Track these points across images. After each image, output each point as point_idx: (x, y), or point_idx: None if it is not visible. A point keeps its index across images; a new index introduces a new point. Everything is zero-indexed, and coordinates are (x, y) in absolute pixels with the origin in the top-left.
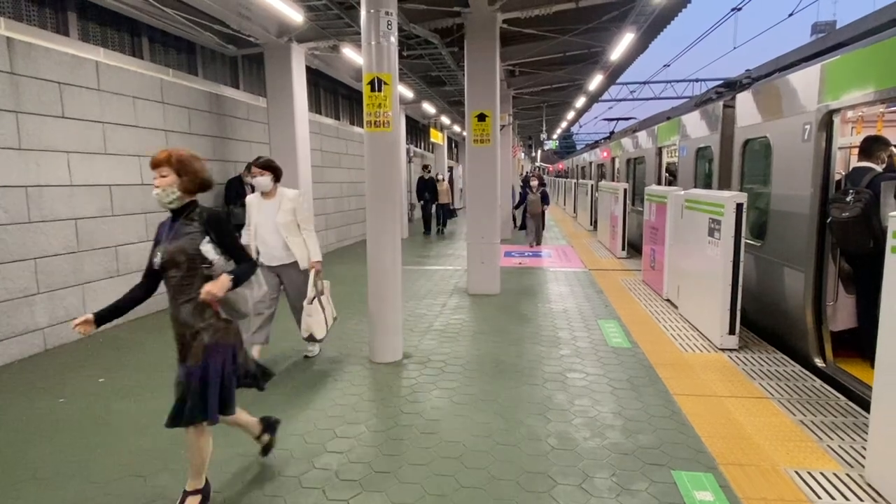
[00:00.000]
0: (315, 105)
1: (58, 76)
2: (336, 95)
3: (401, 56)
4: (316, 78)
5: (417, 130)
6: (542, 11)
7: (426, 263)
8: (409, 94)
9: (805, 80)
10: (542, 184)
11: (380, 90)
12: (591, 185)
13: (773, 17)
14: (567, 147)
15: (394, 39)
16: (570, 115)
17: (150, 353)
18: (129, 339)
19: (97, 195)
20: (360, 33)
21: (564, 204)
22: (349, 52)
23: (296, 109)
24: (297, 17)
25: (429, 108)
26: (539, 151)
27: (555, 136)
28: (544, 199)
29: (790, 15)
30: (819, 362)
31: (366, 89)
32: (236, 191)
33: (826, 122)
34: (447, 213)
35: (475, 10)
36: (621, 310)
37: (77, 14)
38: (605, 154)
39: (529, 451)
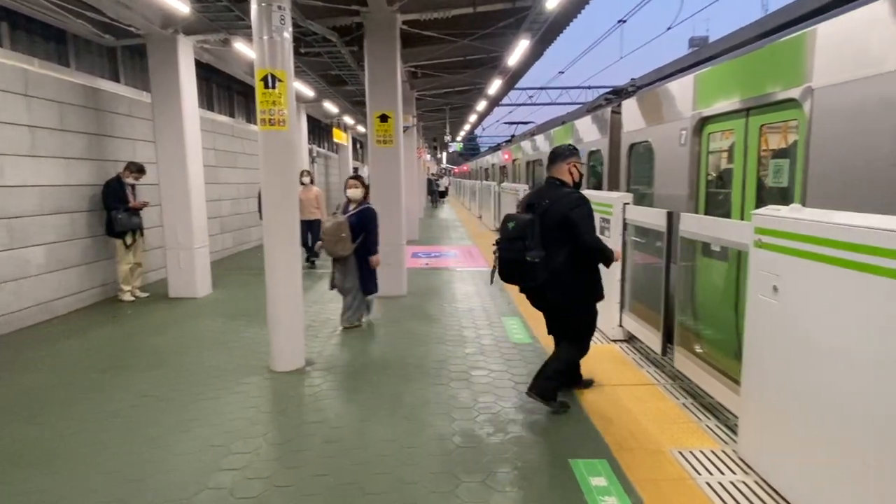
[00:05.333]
0: (207, 102)
1: None
2: (231, 92)
3: (298, 53)
4: (208, 73)
5: (320, 130)
6: (441, 14)
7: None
8: (308, 92)
9: (681, 89)
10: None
11: (274, 87)
12: (495, 186)
13: (655, 30)
14: (471, 149)
15: (288, 35)
16: (473, 117)
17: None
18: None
19: None
20: (252, 27)
21: (469, 205)
22: (242, 47)
23: (184, 106)
24: (182, 7)
25: (331, 107)
26: (444, 153)
27: (459, 138)
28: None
29: (668, 28)
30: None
31: (259, 85)
32: (116, 194)
33: (699, 128)
34: (315, 233)
35: (374, 10)
36: (523, 307)
37: None
38: (506, 156)
39: (435, 451)
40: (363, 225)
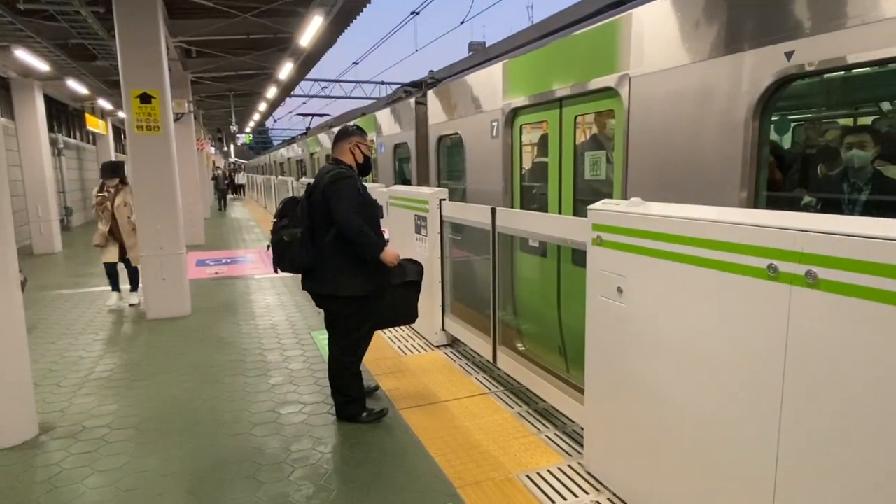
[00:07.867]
0: None
1: None
2: None
3: (16, 10)
4: None
5: (69, 116)
6: None
7: (87, 284)
8: (41, 66)
9: (489, 79)
10: None
11: None
12: (291, 182)
13: (446, 27)
14: (263, 142)
15: None
16: (263, 106)
17: None
18: None
19: None
20: None
21: (265, 202)
22: None
23: None
24: None
25: (79, 87)
26: (232, 146)
27: (248, 130)
28: None
29: (462, 22)
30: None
31: None
32: None
33: (511, 120)
34: None
35: None
36: None
37: None
38: (303, 150)
39: None
40: None
